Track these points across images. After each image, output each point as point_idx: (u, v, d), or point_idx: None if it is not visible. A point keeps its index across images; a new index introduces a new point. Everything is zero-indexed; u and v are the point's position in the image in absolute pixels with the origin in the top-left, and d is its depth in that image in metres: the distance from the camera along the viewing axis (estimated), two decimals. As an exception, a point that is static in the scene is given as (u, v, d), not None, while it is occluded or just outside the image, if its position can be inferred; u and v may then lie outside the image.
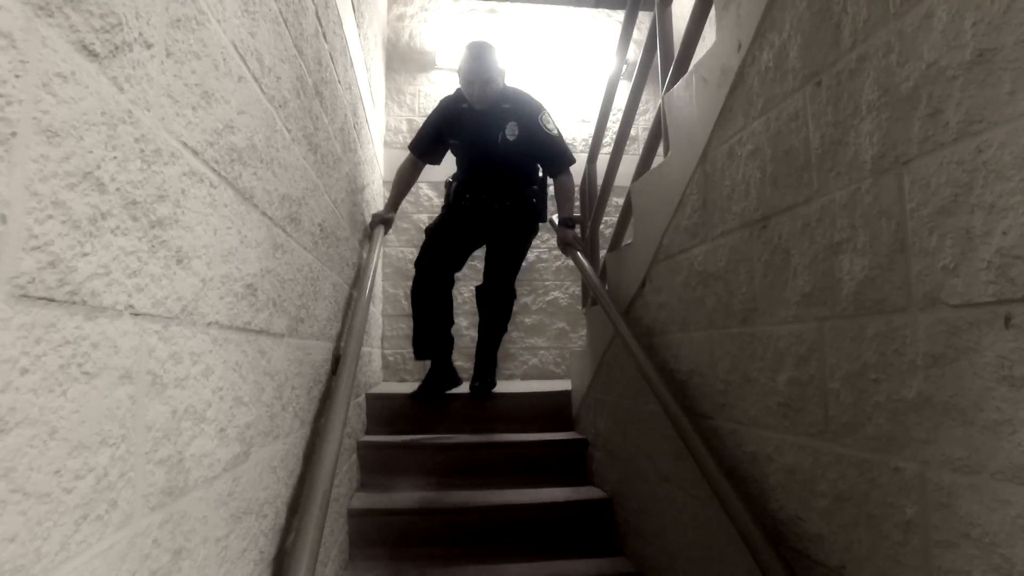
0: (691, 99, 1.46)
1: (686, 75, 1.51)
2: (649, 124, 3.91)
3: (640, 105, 3.32)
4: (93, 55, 0.53)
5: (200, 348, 0.76)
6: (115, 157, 0.56)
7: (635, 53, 3.77)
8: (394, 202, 2.57)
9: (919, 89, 0.80)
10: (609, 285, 2.08)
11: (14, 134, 0.43)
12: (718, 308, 1.33)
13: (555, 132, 2.44)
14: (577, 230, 2.47)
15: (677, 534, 1.54)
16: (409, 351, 3.60)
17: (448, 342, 2.59)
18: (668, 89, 1.66)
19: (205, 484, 0.77)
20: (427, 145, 2.55)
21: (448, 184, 2.62)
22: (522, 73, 3.89)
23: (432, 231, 2.53)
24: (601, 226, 2.74)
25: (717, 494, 1.15)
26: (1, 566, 0.41)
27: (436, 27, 3.89)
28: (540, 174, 2.59)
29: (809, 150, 1.03)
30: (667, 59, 1.81)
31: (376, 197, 3.03)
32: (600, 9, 4.11)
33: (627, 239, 2.29)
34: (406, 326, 3.63)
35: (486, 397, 2.54)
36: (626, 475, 1.90)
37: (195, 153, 0.75)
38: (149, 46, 0.63)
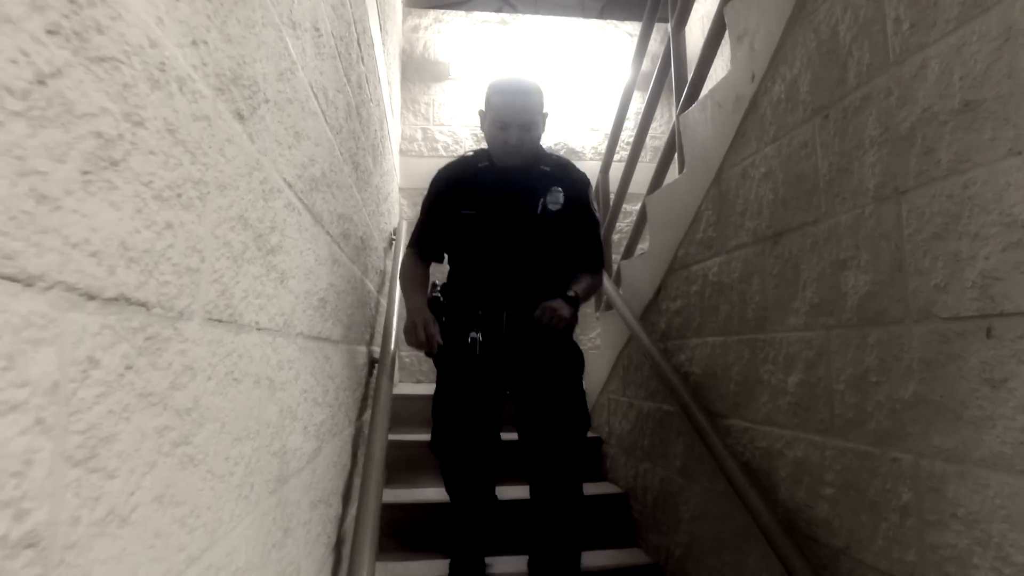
0: (706, 122, 1.58)
1: (701, 99, 1.63)
2: (656, 133, 4.02)
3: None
4: (241, 118, 0.65)
5: (292, 356, 0.88)
6: (251, 199, 0.68)
7: (648, 64, 3.88)
8: (419, 302, 1.63)
9: (915, 130, 0.92)
10: (624, 291, 2.20)
11: (208, 193, 0.54)
12: (732, 315, 1.45)
13: (599, 217, 1.78)
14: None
15: (691, 525, 1.66)
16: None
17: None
18: (683, 110, 1.78)
19: (297, 474, 0.89)
20: (432, 236, 1.69)
21: (435, 302, 1.65)
22: (532, 83, 4.01)
23: (437, 409, 1.65)
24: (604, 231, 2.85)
25: (734, 486, 1.27)
26: (206, 527, 0.53)
27: (449, 38, 4.01)
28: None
29: (818, 176, 1.15)
30: (681, 81, 1.93)
31: (395, 206, 3.15)
32: (608, 20, 4.23)
33: (640, 246, 2.41)
34: (420, 328, 3.74)
35: None
36: (641, 471, 2.02)
37: (290, 186, 0.87)
38: (267, 100, 0.75)
